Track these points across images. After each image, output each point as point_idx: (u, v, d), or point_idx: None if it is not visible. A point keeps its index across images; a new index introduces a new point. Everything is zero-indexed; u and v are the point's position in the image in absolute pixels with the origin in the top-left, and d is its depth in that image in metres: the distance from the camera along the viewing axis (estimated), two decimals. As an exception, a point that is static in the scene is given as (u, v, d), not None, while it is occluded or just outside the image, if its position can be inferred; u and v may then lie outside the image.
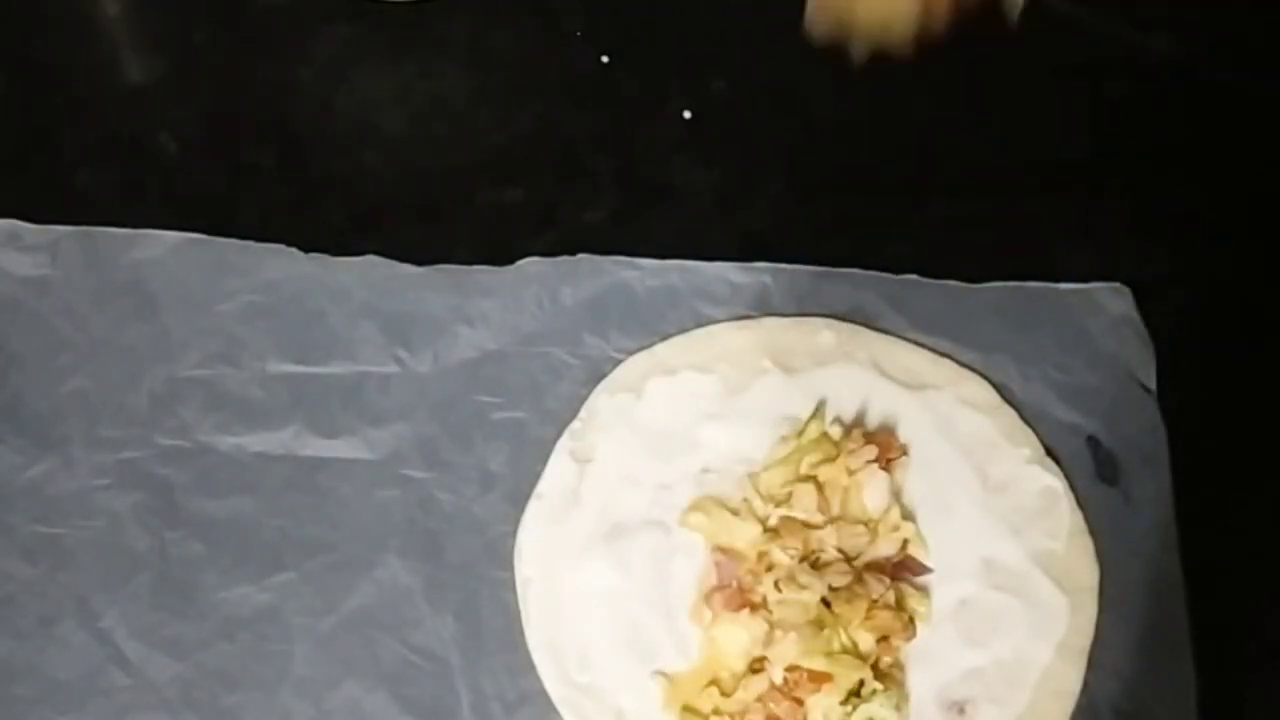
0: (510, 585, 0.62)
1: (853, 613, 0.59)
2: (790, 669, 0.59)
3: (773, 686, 0.59)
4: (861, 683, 0.59)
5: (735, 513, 0.62)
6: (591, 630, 0.61)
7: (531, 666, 0.61)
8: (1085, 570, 0.63)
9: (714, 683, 0.60)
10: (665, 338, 0.67)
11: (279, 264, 0.67)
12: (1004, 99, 0.74)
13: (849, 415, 0.64)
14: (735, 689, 0.59)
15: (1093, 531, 0.63)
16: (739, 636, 0.60)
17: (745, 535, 0.62)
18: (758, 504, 0.62)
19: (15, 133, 0.72)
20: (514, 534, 0.63)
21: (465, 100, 0.74)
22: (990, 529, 0.63)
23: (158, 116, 0.72)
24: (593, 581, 0.61)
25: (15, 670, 0.60)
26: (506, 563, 0.62)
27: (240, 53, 0.74)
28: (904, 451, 0.64)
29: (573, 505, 0.63)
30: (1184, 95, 0.74)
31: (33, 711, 0.59)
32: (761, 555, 0.61)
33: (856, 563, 0.61)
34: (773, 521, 0.62)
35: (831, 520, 0.61)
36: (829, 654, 0.59)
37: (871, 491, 0.62)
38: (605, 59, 0.75)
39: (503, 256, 0.68)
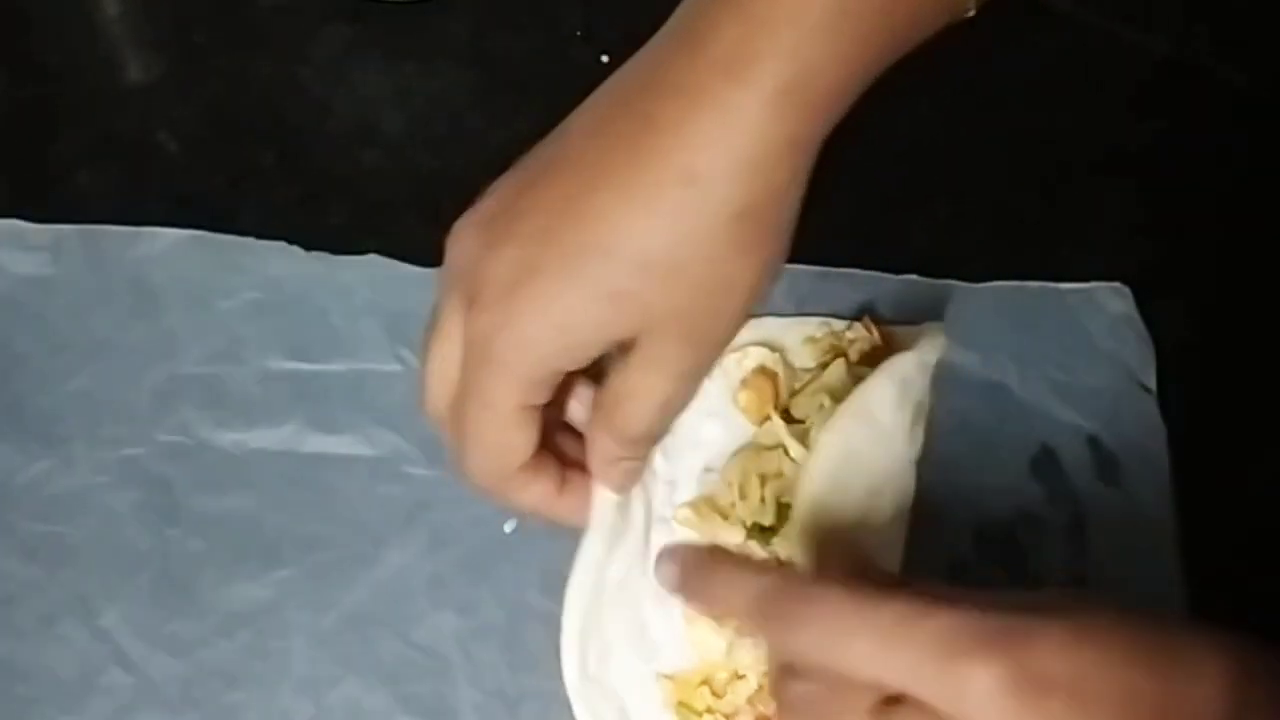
0: (511, 582, 0.62)
1: None
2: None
3: (761, 688, 0.59)
4: None
5: (725, 515, 0.62)
6: (610, 625, 0.60)
7: (533, 664, 0.61)
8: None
9: (706, 682, 0.60)
10: (666, 337, 0.66)
11: (281, 262, 0.67)
12: (1004, 99, 0.74)
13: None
14: (726, 691, 0.59)
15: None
16: (712, 641, 0.60)
17: (730, 539, 0.61)
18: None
19: (16, 132, 0.72)
20: (513, 532, 0.63)
21: (465, 100, 0.74)
22: None
23: (158, 116, 0.72)
24: (614, 577, 0.61)
25: (16, 669, 0.60)
26: (508, 560, 0.62)
27: (240, 53, 0.74)
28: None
29: None
30: (1184, 95, 0.74)
31: (33, 710, 0.59)
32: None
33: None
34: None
35: None
36: None
37: None
38: (605, 59, 0.75)
39: (503, 256, 0.68)
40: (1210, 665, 0.47)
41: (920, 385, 0.61)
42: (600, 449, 0.57)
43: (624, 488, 0.59)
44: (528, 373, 0.54)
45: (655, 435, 0.58)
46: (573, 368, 0.55)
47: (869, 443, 0.60)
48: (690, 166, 0.52)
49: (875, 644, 0.47)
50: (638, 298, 0.52)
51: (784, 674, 0.51)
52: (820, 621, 0.48)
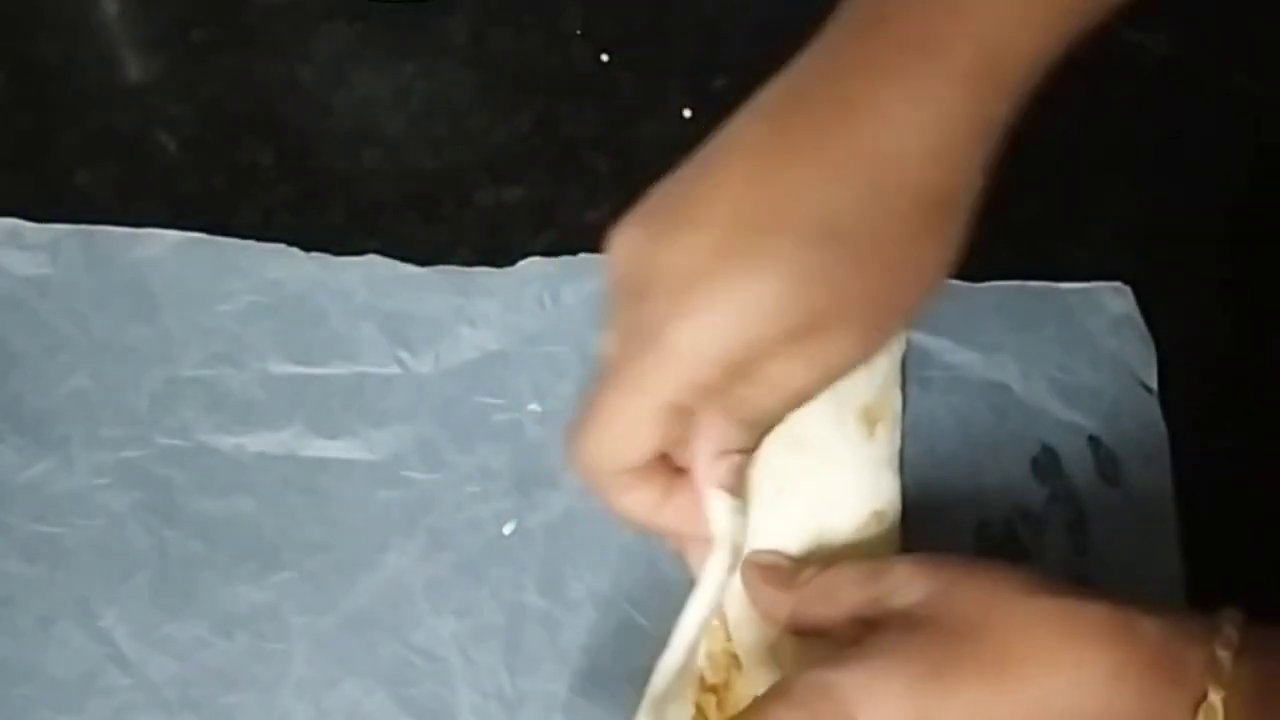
0: (510, 584, 0.62)
1: None
2: None
3: None
4: None
5: None
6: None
7: (532, 666, 0.60)
8: None
9: (713, 690, 0.59)
10: (667, 337, 0.66)
11: (280, 264, 0.67)
12: (1004, 99, 0.74)
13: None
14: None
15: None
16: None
17: None
18: None
19: (15, 132, 0.72)
20: (512, 535, 0.63)
21: (465, 100, 0.74)
22: None
23: (157, 115, 0.72)
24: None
25: (14, 670, 0.60)
26: (507, 562, 0.62)
27: (240, 52, 0.74)
28: None
29: None
30: (1184, 95, 0.74)
31: (32, 711, 0.59)
32: None
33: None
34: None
35: None
36: None
37: None
38: (605, 57, 0.75)
39: (503, 256, 0.68)
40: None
41: (865, 386, 0.61)
42: (715, 434, 0.53)
43: (731, 485, 0.54)
44: (697, 365, 0.50)
45: (772, 424, 0.54)
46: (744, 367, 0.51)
47: (801, 463, 0.59)
48: (881, 143, 0.50)
49: None
50: (829, 276, 0.49)
51: None
52: None
